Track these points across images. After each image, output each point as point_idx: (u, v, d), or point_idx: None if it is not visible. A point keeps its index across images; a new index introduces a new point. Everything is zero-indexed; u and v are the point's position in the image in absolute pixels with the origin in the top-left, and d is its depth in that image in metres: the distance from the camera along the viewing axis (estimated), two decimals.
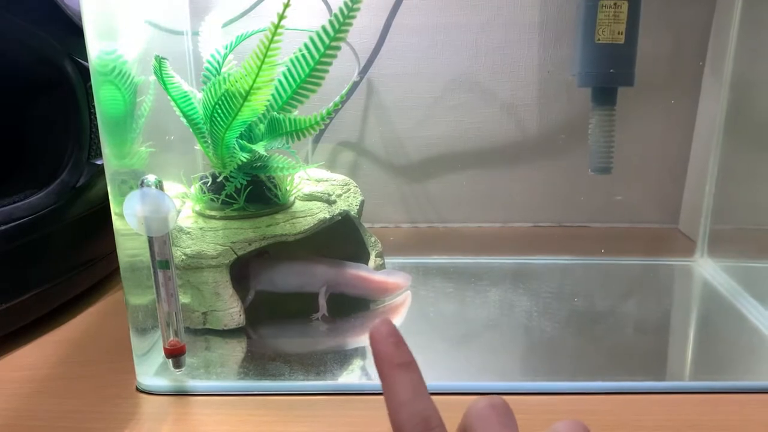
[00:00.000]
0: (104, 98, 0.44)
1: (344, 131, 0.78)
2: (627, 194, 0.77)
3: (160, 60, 0.48)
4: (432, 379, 0.46)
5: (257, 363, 0.51)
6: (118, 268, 0.66)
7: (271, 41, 0.45)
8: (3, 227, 0.51)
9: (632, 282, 0.67)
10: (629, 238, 0.77)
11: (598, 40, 0.56)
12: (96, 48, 0.43)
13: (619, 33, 0.55)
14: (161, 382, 0.48)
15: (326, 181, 0.63)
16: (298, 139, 0.52)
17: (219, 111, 0.50)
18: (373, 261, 0.62)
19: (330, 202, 0.59)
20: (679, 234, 0.77)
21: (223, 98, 0.49)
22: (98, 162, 0.58)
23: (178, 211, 0.57)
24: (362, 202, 0.63)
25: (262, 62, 0.46)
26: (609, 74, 0.56)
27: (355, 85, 0.69)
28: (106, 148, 0.45)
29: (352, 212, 0.61)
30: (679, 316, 0.60)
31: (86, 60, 0.55)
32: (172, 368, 0.48)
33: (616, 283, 0.67)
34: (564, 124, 0.76)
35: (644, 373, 0.50)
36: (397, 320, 0.58)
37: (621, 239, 0.77)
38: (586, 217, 0.80)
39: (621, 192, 0.77)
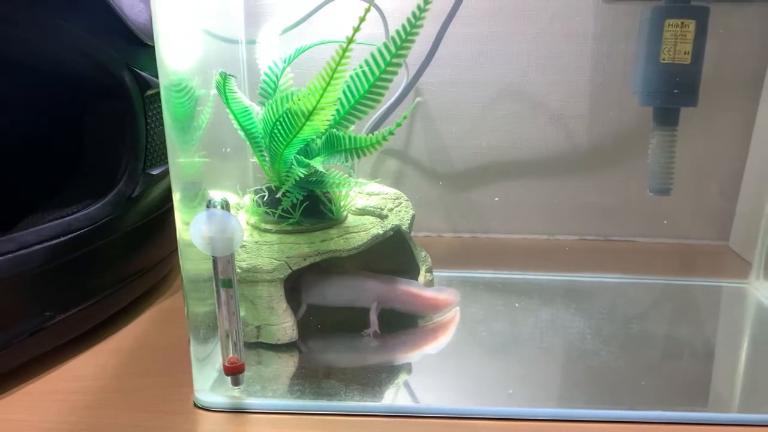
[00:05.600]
0: (175, 112, 0.44)
1: (389, 139, 0.76)
2: (674, 208, 0.76)
3: (225, 76, 0.47)
4: (486, 405, 0.48)
5: (312, 380, 0.51)
6: (166, 276, 0.67)
7: (338, 63, 0.45)
8: (62, 238, 0.51)
9: (687, 304, 0.66)
10: (678, 255, 0.76)
11: (663, 59, 0.54)
12: (169, 62, 0.43)
13: (685, 53, 0.54)
14: (219, 399, 0.48)
15: (378, 194, 0.62)
16: (357, 157, 0.52)
17: (280, 128, 0.50)
18: (423, 276, 0.61)
19: (382, 217, 0.59)
20: (730, 252, 0.75)
21: (285, 116, 0.49)
22: (153, 172, 0.58)
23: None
24: (413, 217, 0.62)
25: (328, 84, 0.46)
26: (672, 95, 0.55)
27: (417, 105, 0.69)
28: (177, 160, 0.45)
29: (404, 227, 0.60)
30: (733, 343, 0.59)
31: (144, 70, 0.55)
32: (231, 385, 0.48)
33: (669, 306, 0.66)
34: (614, 137, 0.75)
35: (696, 403, 0.49)
36: (446, 339, 0.57)
37: (669, 256, 0.76)
38: (632, 231, 0.79)
39: (668, 205, 0.75)
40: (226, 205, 0.43)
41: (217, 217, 0.43)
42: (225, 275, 0.45)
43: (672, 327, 0.61)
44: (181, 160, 0.45)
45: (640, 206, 0.76)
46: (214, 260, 0.45)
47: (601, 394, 0.50)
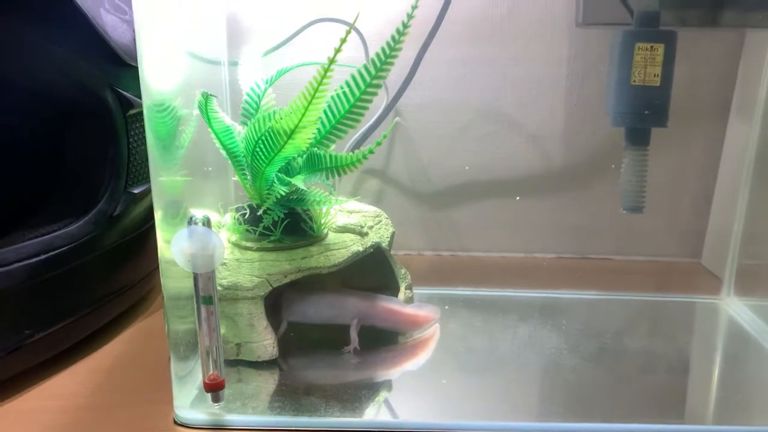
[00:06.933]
0: (157, 131, 0.45)
1: (370, 159, 0.77)
2: (648, 227, 0.78)
3: (207, 96, 0.48)
4: (465, 420, 0.48)
5: (292, 397, 0.51)
6: (147, 294, 0.67)
7: (320, 83, 0.46)
8: (43, 256, 0.52)
9: (659, 320, 0.67)
10: (652, 272, 0.78)
11: (634, 81, 0.56)
12: (153, 83, 0.44)
13: (654, 75, 0.56)
14: (199, 416, 0.48)
15: (358, 212, 0.63)
16: (338, 175, 0.53)
17: (262, 147, 0.50)
18: (402, 293, 0.62)
19: (362, 234, 0.60)
20: (702, 269, 0.77)
21: (267, 135, 0.49)
22: (135, 191, 0.58)
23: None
24: (393, 234, 0.63)
25: (309, 103, 0.47)
26: (643, 115, 0.57)
27: (396, 125, 0.70)
28: (159, 178, 0.46)
29: (383, 244, 0.61)
30: (707, 357, 0.60)
31: (126, 90, 0.56)
32: (211, 402, 0.48)
33: (642, 321, 0.67)
34: (589, 157, 0.77)
35: (671, 415, 0.50)
36: (426, 355, 0.58)
37: (643, 273, 0.77)
38: (608, 249, 0.80)
39: (642, 224, 0.77)
40: (207, 222, 0.44)
41: (198, 233, 0.44)
42: (206, 292, 0.45)
43: (647, 342, 0.62)
44: (163, 179, 0.46)
45: (616, 225, 0.78)
46: (195, 277, 0.45)
47: (579, 408, 0.51)
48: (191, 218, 0.44)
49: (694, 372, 0.58)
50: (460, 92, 0.75)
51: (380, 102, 0.72)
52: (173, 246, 0.44)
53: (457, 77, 0.74)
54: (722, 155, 0.76)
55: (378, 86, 0.51)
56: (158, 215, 0.46)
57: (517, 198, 0.76)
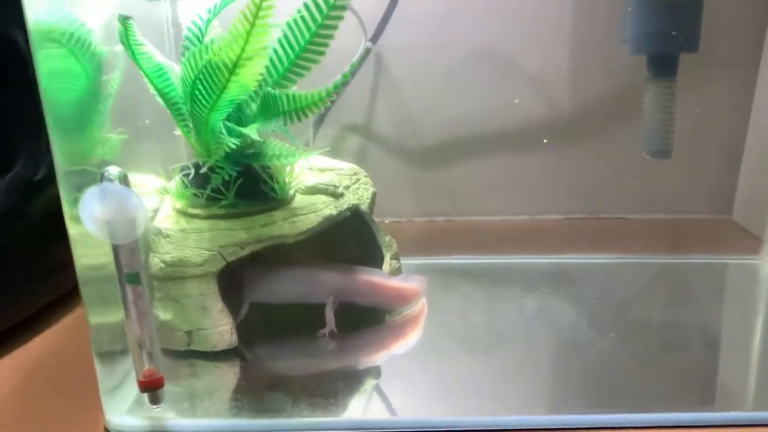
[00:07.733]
0: (49, 72, 0.36)
1: (349, 112, 0.70)
2: (670, 180, 0.70)
3: (125, 21, 0.39)
4: (464, 414, 0.41)
5: (253, 394, 0.44)
6: None
7: None
8: None
9: (688, 285, 0.61)
10: (675, 231, 0.71)
11: None
12: (36, 5, 0.35)
13: None
14: (136, 422, 0.40)
15: (332, 170, 0.55)
16: (299, 119, 0.45)
17: (201, 87, 0.42)
18: (387, 264, 0.54)
19: (336, 196, 0.51)
20: (735, 226, 0.70)
21: (205, 71, 0.41)
22: None
23: (156, 210, 0.48)
24: (374, 195, 0.55)
25: (252, 25, 0.38)
26: (671, 38, 0.48)
27: (366, 53, 0.60)
28: (54, 136, 0.37)
29: (363, 207, 0.53)
30: (748, 327, 0.53)
31: None
32: (149, 403, 0.40)
33: (669, 288, 0.60)
34: (602, 101, 0.69)
35: (706, 401, 0.44)
36: (417, 336, 0.51)
37: (666, 233, 0.70)
38: (624, 207, 0.73)
39: (663, 177, 0.69)
40: (124, 178, 0.35)
41: (113, 193, 0.35)
42: (130, 268, 0.37)
43: (677, 312, 0.55)
44: (56, 139, 0.37)
45: (633, 179, 0.70)
46: (115, 249, 0.36)
47: (600, 395, 0.44)
48: (103, 174, 0.35)
49: (732, 346, 0.51)
50: (450, 29, 0.67)
51: (357, 44, 0.62)
52: (82, 210, 0.35)
53: (447, 12, 0.66)
54: (755, 96, 0.68)
55: (343, 8, 0.42)
56: (61, 185, 0.38)
57: (545, 141, 0.68)
